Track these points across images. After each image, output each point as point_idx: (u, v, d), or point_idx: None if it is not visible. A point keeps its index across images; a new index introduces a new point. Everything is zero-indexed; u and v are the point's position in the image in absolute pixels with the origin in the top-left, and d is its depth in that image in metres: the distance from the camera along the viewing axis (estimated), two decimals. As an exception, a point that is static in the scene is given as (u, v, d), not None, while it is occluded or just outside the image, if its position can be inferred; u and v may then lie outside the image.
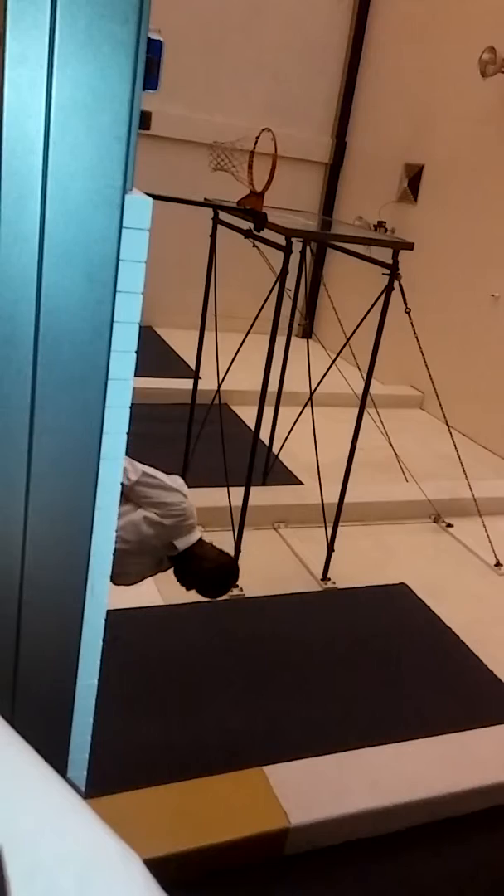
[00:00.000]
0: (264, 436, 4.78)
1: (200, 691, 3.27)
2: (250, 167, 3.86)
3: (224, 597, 3.99)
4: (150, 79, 1.01)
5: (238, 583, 4.11)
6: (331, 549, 4.32)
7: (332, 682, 3.46)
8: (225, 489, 4.34)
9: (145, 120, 0.99)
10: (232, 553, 4.07)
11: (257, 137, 3.81)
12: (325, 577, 4.30)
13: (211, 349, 4.76)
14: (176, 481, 2.61)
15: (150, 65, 1.01)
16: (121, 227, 1.03)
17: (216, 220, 4.48)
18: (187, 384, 5.14)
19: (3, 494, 1.16)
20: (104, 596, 1.36)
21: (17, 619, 1.26)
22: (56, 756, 1.39)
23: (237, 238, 4.21)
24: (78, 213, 1.01)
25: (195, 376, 5.06)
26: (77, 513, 1.24)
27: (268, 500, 4.84)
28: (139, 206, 1.05)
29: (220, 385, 4.81)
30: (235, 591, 4.05)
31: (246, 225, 4.00)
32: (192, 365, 5.08)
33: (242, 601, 4.02)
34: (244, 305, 4.88)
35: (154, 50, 0.99)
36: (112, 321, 1.08)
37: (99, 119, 0.98)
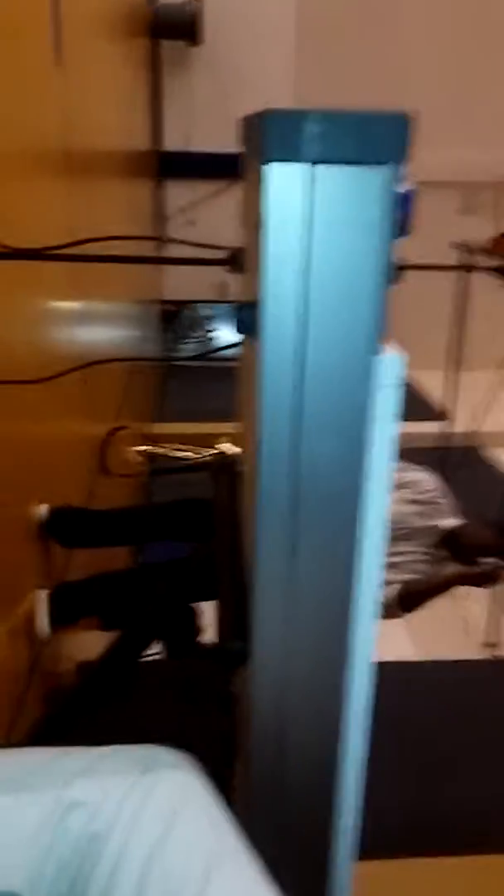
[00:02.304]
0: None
1: (470, 758, 3.12)
2: None
3: (486, 656, 3.80)
4: (403, 227, 1.00)
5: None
6: None
7: None
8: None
9: (397, 274, 0.98)
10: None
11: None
12: None
13: (457, 389, 4.60)
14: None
15: (404, 214, 1.01)
16: (374, 384, 1.03)
17: (467, 268, 4.32)
18: (434, 427, 5.00)
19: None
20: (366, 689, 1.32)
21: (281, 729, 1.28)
22: (322, 824, 1.36)
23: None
24: (329, 371, 1.03)
25: (444, 418, 4.92)
26: (337, 625, 1.23)
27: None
28: (391, 364, 1.04)
29: (471, 427, 4.63)
30: (497, 652, 3.83)
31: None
32: (438, 406, 4.95)
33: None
34: (489, 341, 4.65)
35: (407, 199, 0.99)
36: (363, 479, 1.08)
37: (351, 276, 0.98)
